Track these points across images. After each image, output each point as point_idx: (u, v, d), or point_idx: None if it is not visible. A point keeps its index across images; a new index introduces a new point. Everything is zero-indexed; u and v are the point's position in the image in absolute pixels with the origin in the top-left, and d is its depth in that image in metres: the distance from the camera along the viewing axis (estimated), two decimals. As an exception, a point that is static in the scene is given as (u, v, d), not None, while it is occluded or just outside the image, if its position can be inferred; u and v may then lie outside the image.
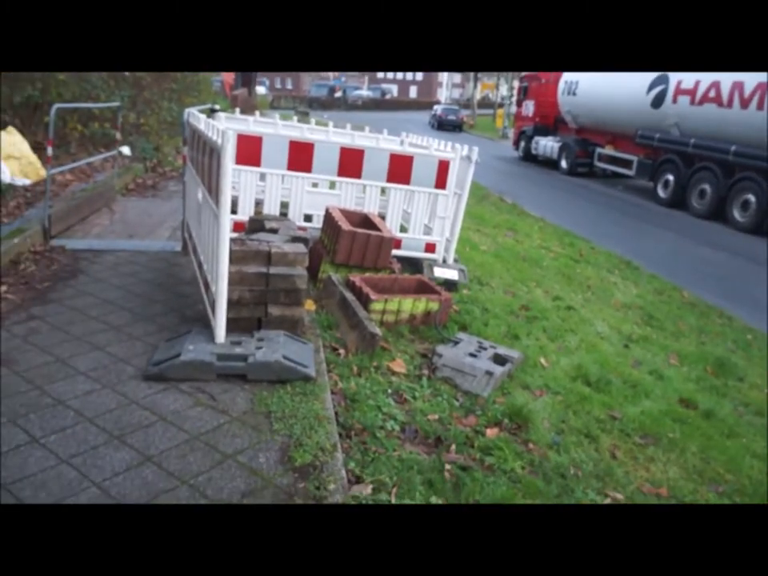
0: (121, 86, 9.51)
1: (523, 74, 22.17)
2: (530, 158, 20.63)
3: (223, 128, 3.10)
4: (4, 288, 4.02)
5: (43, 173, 6.62)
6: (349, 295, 4.03)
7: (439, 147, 5.74)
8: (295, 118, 7.16)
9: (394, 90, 65.03)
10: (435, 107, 38.21)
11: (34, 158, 6.91)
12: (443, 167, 5.22)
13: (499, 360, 3.71)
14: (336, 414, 2.85)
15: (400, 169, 5.17)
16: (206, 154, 3.65)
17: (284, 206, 5.28)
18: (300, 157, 5.03)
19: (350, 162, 5.11)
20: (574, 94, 17.86)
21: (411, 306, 4.09)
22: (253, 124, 5.97)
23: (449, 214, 5.40)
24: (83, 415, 2.63)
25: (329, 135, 5.46)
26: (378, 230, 4.73)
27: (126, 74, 9.59)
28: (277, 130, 5.16)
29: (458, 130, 34.40)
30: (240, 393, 2.92)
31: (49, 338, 3.38)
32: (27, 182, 6.53)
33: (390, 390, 3.21)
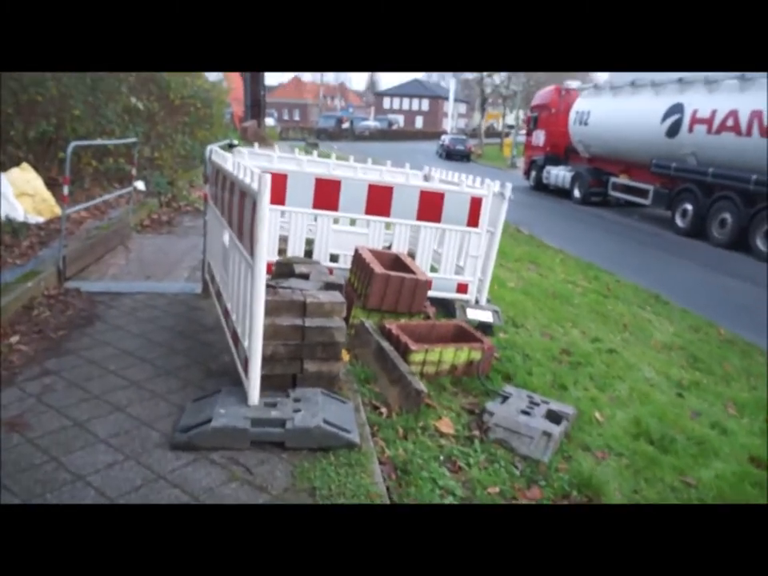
0: (135, 121, 9.39)
1: (533, 104, 22.15)
2: (541, 187, 20.48)
3: (258, 171, 2.86)
4: (16, 338, 3.75)
5: (57, 210, 6.42)
6: (386, 345, 3.74)
7: (468, 182, 5.50)
8: (315, 152, 6.97)
9: (400, 120, 65.77)
10: (443, 137, 38.35)
11: (48, 194, 6.70)
12: (475, 204, 4.97)
13: (554, 417, 3.38)
14: (387, 489, 2.53)
15: (431, 206, 4.92)
16: (234, 195, 3.41)
17: (308, 242, 5.03)
18: (326, 195, 4.79)
19: (379, 200, 4.86)
20: (586, 123, 17.77)
21: (453, 356, 3.79)
22: (277, 160, 5.76)
23: (481, 253, 5.14)
24: (105, 495, 2.32)
25: (356, 172, 5.24)
26: (411, 271, 4.46)
27: (141, 107, 9.49)
28: (302, 166, 4.95)
29: (466, 160, 34.47)
30: (278, 464, 2.61)
31: (65, 397, 3.10)
32: (41, 219, 6.32)
33: (441, 457, 2.89)
